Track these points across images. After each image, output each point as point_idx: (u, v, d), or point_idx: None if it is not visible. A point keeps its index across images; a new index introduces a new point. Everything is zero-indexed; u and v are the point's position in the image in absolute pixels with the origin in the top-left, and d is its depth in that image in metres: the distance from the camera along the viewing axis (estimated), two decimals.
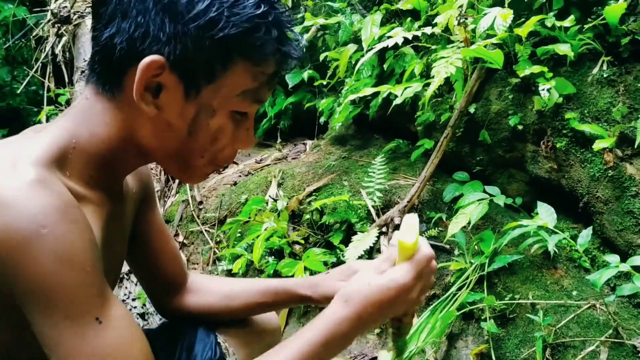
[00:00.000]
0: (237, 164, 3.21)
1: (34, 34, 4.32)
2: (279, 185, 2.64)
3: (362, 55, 2.52)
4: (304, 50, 0.87)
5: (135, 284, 2.42)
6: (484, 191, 1.95)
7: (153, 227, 1.11)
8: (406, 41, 2.16)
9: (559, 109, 1.85)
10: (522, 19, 1.89)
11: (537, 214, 1.72)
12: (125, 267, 2.45)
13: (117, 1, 0.76)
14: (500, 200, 1.89)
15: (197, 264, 2.70)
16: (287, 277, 2.18)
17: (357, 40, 2.69)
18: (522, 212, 2.00)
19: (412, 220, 0.93)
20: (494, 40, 1.85)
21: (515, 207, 2.00)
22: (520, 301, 1.73)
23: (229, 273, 2.47)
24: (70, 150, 0.76)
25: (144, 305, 2.38)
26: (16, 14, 4.83)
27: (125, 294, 2.39)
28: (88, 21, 3.73)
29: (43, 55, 4.05)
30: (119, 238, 0.92)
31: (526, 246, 1.77)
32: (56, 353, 0.67)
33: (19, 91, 4.42)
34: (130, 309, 2.36)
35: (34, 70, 3.94)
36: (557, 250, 1.82)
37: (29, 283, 0.65)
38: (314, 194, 2.43)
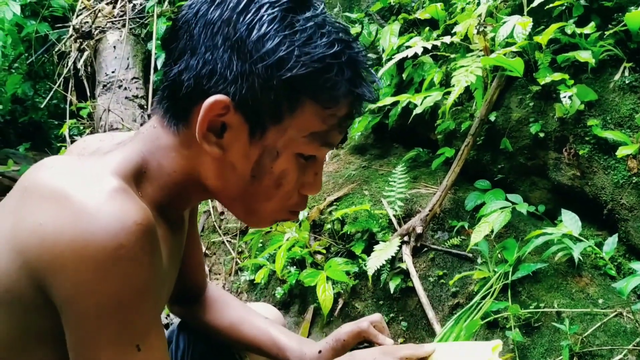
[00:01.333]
0: None
1: (56, 49, 4.40)
2: None
3: (382, 65, 2.54)
4: (379, 91, 0.84)
5: None
6: (506, 199, 1.95)
7: (191, 240, 1.10)
8: (425, 50, 2.17)
9: (580, 115, 1.85)
10: (542, 27, 1.89)
11: (560, 221, 1.71)
12: None
13: (188, 37, 0.73)
14: (523, 208, 1.88)
15: (220, 274, 2.73)
16: (309, 286, 2.19)
17: (375, 50, 2.71)
18: (545, 219, 1.99)
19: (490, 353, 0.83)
20: (513, 48, 1.85)
21: (538, 215, 1.99)
22: (545, 309, 1.72)
23: (252, 283, 2.49)
24: (142, 173, 0.76)
25: (168, 315, 2.41)
26: (39, 30, 4.93)
27: None
28: (109, 36, 3.79)
29: (65, 70, 4.13)
30: (173, 267, 0.91)
31: (550, 254, 1.75)
32: None
33: (42, 105, 4.47)
34: None
35: (57, 85, 4.01)
36: (581, 258, 1.81)
37: (86, 301, 0.63)
38: (334, 203, 2.44)
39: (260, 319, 1.19)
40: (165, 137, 0.78)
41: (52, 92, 4.08)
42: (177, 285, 1.14)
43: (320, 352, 1.10)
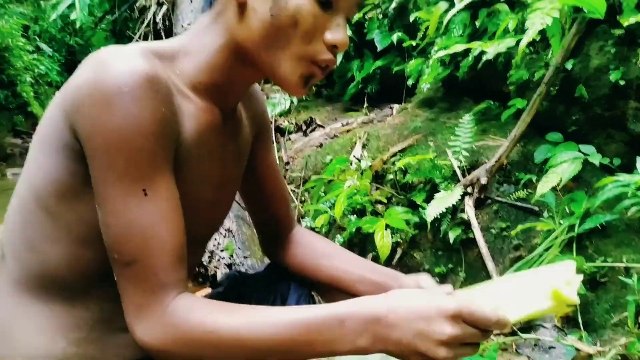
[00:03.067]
0: (323, 127, 3.24)
1: (137, 4, 4.55)
2: (364, 146, 2.64)
3: (454, 14, 2.45)
4: None
5: (224, 236, 2.52)
6: (579, 151, 1.85)
7: (265, 165, 1.11)
8: None
9: None
10: None
11: (637, 172, 1.60)
12: None
13: None
14: (596, 159, 1.78)
15: None
16: (368, 234, 2.19)
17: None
18: (619, 174, 1.87)
19: (570, 273, 0.74)
20: None
21: (612, 169, 1.88)
22: (613, 264, 1.64)
23: (312, 229, 2.52)
24: (181, 55, 0.82)
25: (232, 256, 2.48)
26: None
27: (214, 245, 2.49)
28: None
29: (144, 24, 4.26)
30: (226, 156, 0.93)
31: (623, 208, 1.65)
32: (102, 209, 0.73)
33: None
34: (219, 259, 2.46)
35: (137, 38, 4.14)
36: None
37: (99, 137, 0.70)
38: (398, 154, 2.41)
39: (350, 255, 1.14)
40: (205, 21, 0.85)
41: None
42: (264, 220, 1.15)
43: None
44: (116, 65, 0.71)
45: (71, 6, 5.54)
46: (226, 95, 0.88)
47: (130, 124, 0.69)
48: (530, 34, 1.78)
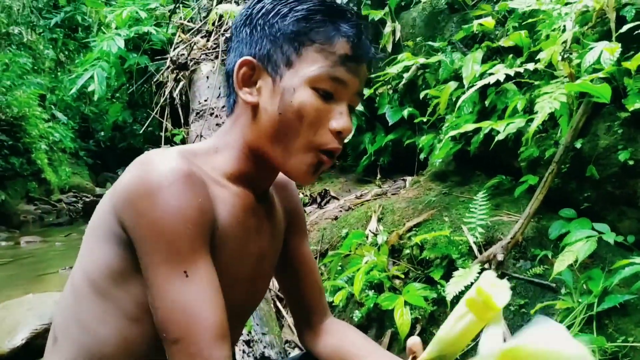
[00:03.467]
0: (337, 199, 3.30)
1: (154, 79, 4.73)
2: (379, 220, 2.69)
3: (463, 92, 2.55)
4: (370, 39, 0.98)
5: None
6: (593, 229, 1.89)
7: (299, 253, 1.18)
8: (508, 77, 2.16)
9: None
10: (632, 52, 1.84)
11: None
12: None
13: (232, 44, 1.00)
14: (611, 237, 1.82)
15: None
16: (387, 310, 2.21)
17: (457, 77, 2.72)
18: (635, 251, 1.91)
19: (497, 280, 0.76)
20: (600, 74, 1.82)
21: (627, 246, 1.92)
22: (634, 344, 1.65)
23: (330, 305, 2.53)
24: (212, 152, 0.96)
25: (250, 332, 2.49)
26: (139, 62, 5.33)
27: None
28: (203, 67, 4.04)
29: (162, 99, 4.42)
30: (262, 233, 1.01)
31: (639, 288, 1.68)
32: (150, 292, 0.81)
33: (140, 132, 4.79)
34: None
35: (154, 112, 4.29)
36: None
37: (144, 227, 0.80)
38: (414, 229, 2.46)
39: (382, 352, 1.15)
40: (228, 121, 1.00)
41: (149, 120, 4.36)
42: (297, 307, 1.22)
43: None
44: (158, 165, 0.82)
45: (89, 78, 5.76)
46: (256, 181, 0.99)
47: (170, 214, 0.79)
48: (540, 118, 1.86)
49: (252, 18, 0.95)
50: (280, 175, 1.05)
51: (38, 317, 3.10)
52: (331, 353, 1.17)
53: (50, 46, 11.31)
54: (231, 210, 0.91)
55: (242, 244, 0.94)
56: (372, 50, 0.98)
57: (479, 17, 2.73)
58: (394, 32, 3.43)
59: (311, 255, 1.23)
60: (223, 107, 3.91)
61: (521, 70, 2.07)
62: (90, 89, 5.76)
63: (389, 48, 3.41)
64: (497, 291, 0.75)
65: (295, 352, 2.54)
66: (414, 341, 0.99)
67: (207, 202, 0.84)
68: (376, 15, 3.47)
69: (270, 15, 0.93)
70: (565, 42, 1.95)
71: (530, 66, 2.05)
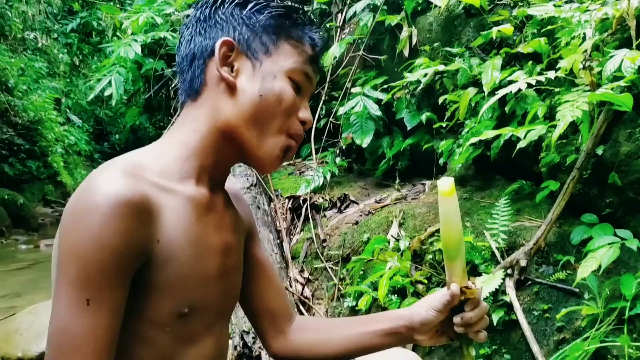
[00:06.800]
0: (357, 203, 3.34)
1: (171, 84, 4.79)
2: (400, 225, 2.73)
3: (482, 98, 2.58)
4: (325, 44, 1.09)
5: None
6: (615, 234, 1.92)
7: (258, 260, 1.21)
8: (528, 85, 2.19)
9: None
10: None
11: None
12: None
13: (195, 25, 1.04)
14: (634, 244, 1.84)
15: (322, 299, 2.84)
16: None
17: (476, 82, 2.75)
18: None
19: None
20: (621, 82, 1.84)
21: None
22: None
23: (353, 310, 2.58)
24: (165, 154, 0.97)
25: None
26: (156, 67, 5.39)
27: None
28: None
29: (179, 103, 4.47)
30: (222, 225, 1.04)
31: None
32: (52, 305, 0.81)
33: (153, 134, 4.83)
34: None
35: (174, 117, 4.34)
36: None
37: (64, 246, 0.81)
38: (435, 234, 2.49)
39: (351, 318, 1.26)
40: (187, 112, 1.02)
41: (170, 125, 4.40)
42: (262, 314, 1.21)
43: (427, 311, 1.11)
44: (96, 188, 0.82)
45: (107, 84, 5.83)
46: (213, 174, 1.03)
47: (89, 241, 0.79)
48: (562, 127, 1.89)
49: (224, 4, 1.02)
50: (228, 184, 1.11)
51: None
52: (311, 345, 1.20)
53: (65, 50, 11.44)
54: (182, 214, 0.92)
55: (201, 243, 0.95)
56: (324, 44, 1.09)
57: (497, 22, 2.76)
58: (410, 36, 3.46)
59: (269, 259, 1.27)
60: None
61: (542, 79, 2.09)
62: (107, 93, 5.85)
63: (406, 53, 3.44)
64: (445, 181, 1.08)
65: None
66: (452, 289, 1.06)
67: (138, 229, 0.83)
68: (392, 20, 3.49)
69: (249, 7, 1.01)
70: (585, 51, 1.97)
71: (551, 74, 2.07)
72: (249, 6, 1.01)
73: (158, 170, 0.93)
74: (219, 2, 1.03)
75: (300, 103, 1.04)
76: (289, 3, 1.05)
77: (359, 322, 1.19)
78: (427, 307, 1.10)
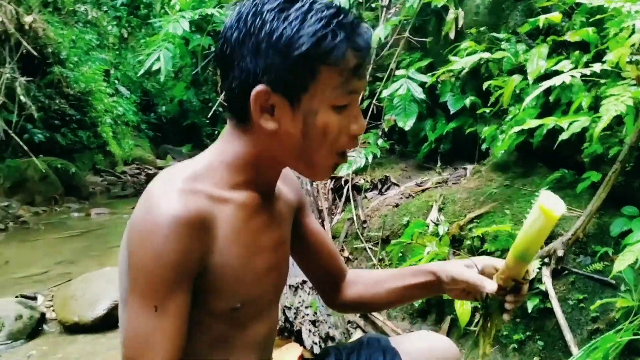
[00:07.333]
0: (398, 185, 3.40)
1: None
2: (440, 209, 2.78)
3: (527, 85, 2.59)
4: (371, 37, 1.00)
5: (308, 294, 2.71)
6: None
7: (310, 230, 1.31)
8: (572, 77, 2.19)
9: None
10: None
11: None
12: (299, 278, 2.76)
13: (228, 59, 0.97)
14: None
15: None
16: (446, 298, 2.32)
17: (521, 69, 2.75)
18: None
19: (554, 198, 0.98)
20: None
21: None
22: None
23: None
24: (217, 165, 1.01)
25: (315, 313, 2.65)
26: (203, 43, 5.50)
27: (299, 302, 2.68)
28: None
29: None
30: (273, 224, 1.12)
31: None
32: (126, 311, 0.93)
33: (209, 115, 4.97)
34: (304, 316, 2.64)
35: (221, 94, 4.45)
36: None
37: (133, 260, 0.92)
38: (475, 220, 2.54)
39: (398, 269, 1.36)
40: (236, 134, 1.03)
41: (217, 102, 4.51)
42: (319, 275, 1.36)
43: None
44: (156, 208, 0.91)
45: (156, 59, 5.99)
46: (261, 185, 1.08)
47: (154, 258, 0.90)
48: (605, 120, 1.90)
49: (252, 34, 0.94)
50: None
51: (116, 289, 3.36)
52: (362, 298, 1.34)
53: (115, 23, 11.71)
54: (235, 223, 1.00)
55: (253, 246, 1.04)
56: (370, 40, 1.00)
57: (545, 7, 2.74)
58: (456, 19, 3.45)
59: (320, 227, 1.36)
60: None
61: (587, 72, 2.09)
62: (155, 68, 6.00)
63: (452, 35, 3.44)
64: (554, 202, 0.97)
65: (358, 333, 2.70)
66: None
67: (195, 246, 0.93)
68: (439, 2, 3.49)
69: (275, 38, 0.92)
70: (633, 45, 1.96)
71: (597, 67, 2.07)
72: (276, 36, 0.92)
73: (212, 181, 0.99)
74: (247, 27, 0.95)
75: (348, 118, 1.00)
76: (328, 13, 0.94)
77: (400, 276, 1.30)
78: (461, 274, 1.18)
